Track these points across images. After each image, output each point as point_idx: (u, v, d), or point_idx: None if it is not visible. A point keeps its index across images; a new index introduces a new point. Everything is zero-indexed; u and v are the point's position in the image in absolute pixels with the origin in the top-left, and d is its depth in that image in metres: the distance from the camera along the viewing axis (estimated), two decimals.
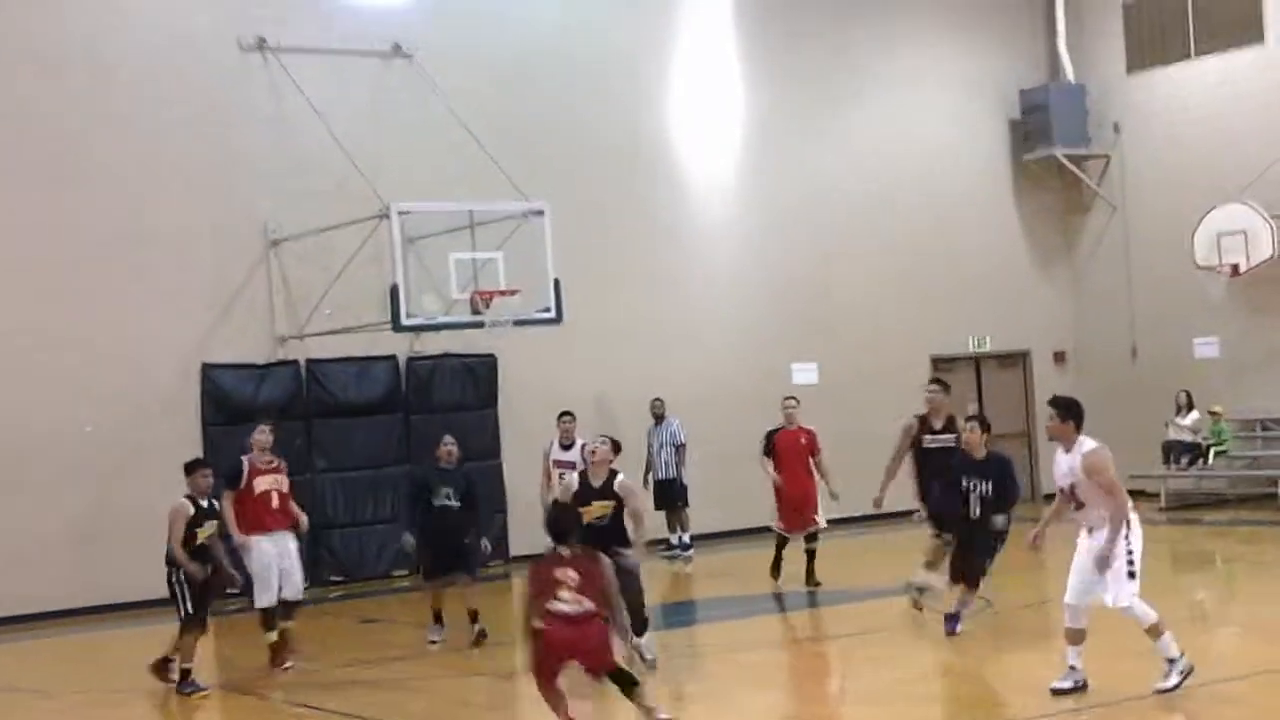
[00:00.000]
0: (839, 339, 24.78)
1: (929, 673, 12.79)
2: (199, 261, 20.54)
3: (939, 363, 26.03)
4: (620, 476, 12.77)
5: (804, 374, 24.66)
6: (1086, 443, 10.72)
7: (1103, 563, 10.50)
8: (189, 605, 13.18)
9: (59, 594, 19.14)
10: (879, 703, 11.27)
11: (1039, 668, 11.81)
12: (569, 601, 9.66)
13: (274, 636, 14.25)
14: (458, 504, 14.88)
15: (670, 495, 21.51)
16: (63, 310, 19.49)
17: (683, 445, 21.48)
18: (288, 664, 14.18)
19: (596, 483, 12.70)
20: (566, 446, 17.47)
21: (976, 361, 26.64)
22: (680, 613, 17.84)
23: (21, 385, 19.37)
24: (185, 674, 13.29)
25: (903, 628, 14.53)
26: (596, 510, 12.44)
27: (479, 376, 22.00)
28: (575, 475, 13.32)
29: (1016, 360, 27.11)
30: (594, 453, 12.91)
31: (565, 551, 9.93)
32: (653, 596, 19.28)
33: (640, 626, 12.74)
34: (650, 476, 21.57)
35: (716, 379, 23.58)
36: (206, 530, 13.30)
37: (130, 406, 19.75)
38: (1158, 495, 24.11)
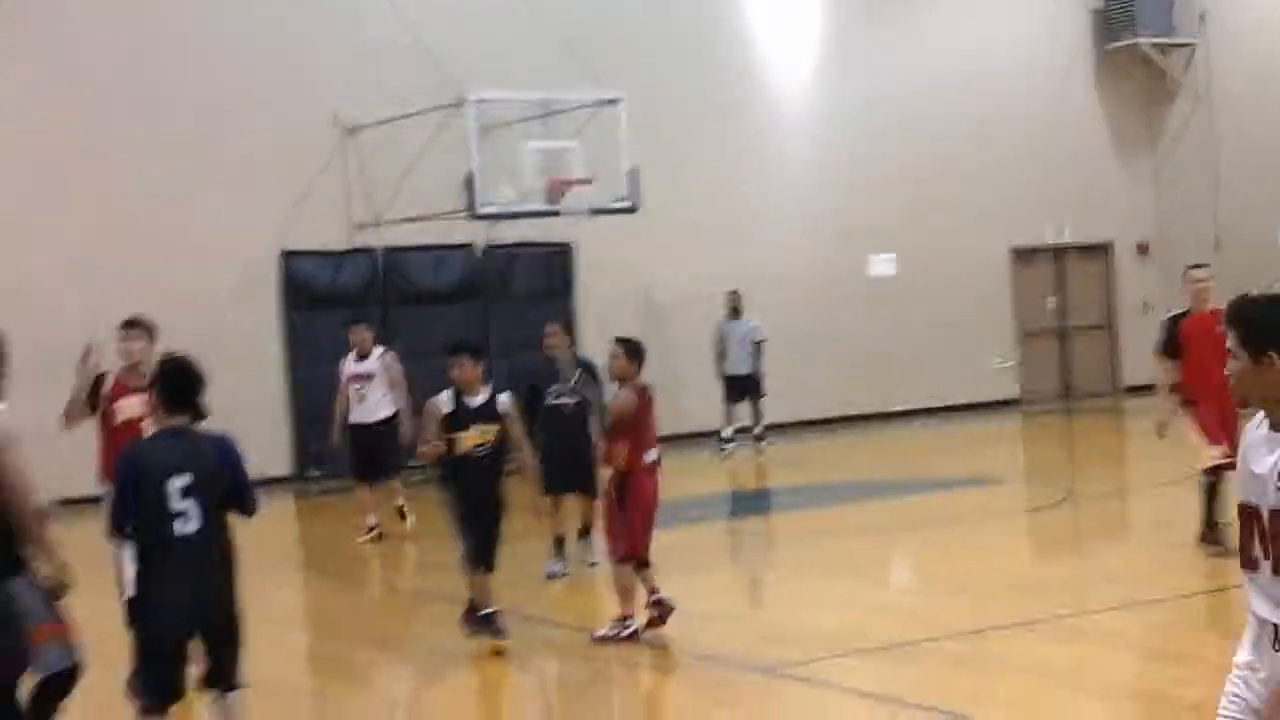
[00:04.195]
0: (917, 230, 24.50)
1: (1009, 562, 12.75)
2: (275, 152, 20.52)
3: (1019, 254, 25.77)
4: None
5: (882, 265, 24.48)
6: None
7: None
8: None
9: None
10: (960, 592, 11.22)
11: (1117, 558, 11.76)
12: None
13: None
14: (573, 401, 12.42)
15: (742, 388, 21.38)
16: (142, 203, 19.57)
17: (759, 342, 21.25)
18: None
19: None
20: (362, 357, 15.10)
21: (1056, 253, 26.34)
22: (756, 499, 17.90)
23: (102, 279, 19.48)
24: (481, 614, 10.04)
25: (984, 517, 14.50)
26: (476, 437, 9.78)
27: (555, 265, 21.98)
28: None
29: (1099, 252, 26.77)
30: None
31: None
32: (726, 484, 19.46)
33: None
34: (724, 368, 21.50)
35: (793, 270, 23.42)
36: (472, 436, 9.74)
37: (211, 295, 19.85)
38: None
